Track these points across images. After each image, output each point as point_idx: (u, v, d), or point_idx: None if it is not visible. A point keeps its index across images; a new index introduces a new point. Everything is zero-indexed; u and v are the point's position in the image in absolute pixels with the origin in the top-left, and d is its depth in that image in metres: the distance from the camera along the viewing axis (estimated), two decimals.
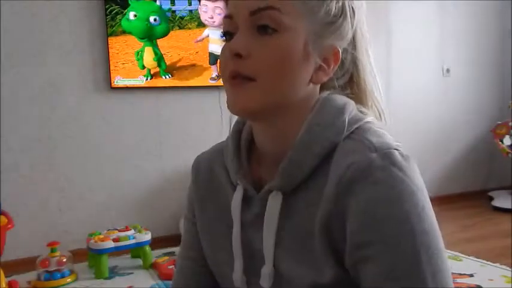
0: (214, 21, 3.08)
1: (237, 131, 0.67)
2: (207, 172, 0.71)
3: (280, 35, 0.56)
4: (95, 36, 2.73)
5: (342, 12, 0.59)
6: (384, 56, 3.55)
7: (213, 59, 3.08)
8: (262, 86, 0.56)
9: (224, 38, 0.61)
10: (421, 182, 0.54)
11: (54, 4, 2.62)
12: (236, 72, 0.56)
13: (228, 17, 0.59)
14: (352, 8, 0.61)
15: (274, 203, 0.59)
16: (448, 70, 3.85)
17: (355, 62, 0.63)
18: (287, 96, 0.58)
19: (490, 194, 3.78)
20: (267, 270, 0.60)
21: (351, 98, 0.63)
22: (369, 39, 0.64)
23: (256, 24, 0.56)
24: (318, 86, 0.62)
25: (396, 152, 0.53)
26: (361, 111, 0.62)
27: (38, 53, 2.61)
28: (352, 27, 0.61)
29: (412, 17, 3.66)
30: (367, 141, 0.55)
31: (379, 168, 0.51)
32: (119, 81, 2.77)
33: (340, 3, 0.59)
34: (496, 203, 3.55)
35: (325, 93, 0.61)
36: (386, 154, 0.53)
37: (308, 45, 0.57)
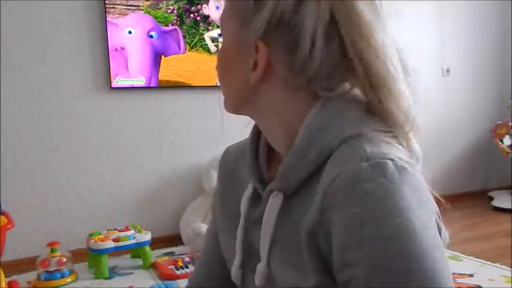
0: None
1: (258, 128, 0.68)
2: (232, 166, 0.73)
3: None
4: (95, 36, 2.73)
5: None
6: None
7: None
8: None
9: None
10: (419, 196, 0.49)
11: (54, 4, 2.62)
12: None
13: None
14: None
15: (273, 203, 0.59)
16: (448, 70, 3.85)
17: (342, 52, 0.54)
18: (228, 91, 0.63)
19: (490, 194, 3.79)
20: (261, 268, 0.60)
21: (359, 100, 0.57)
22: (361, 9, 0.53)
23: None
24: (300, 89, 0.58)
25: (390, 163, 0.48)
26: (378, 119, 0.55)
27: (38, 53, 2.61)
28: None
29: (412, 17, 3.66)
30: (361, 150, 0.50)
31: (367, 180, 0.47)
32: (118, 81, 2.77)
33: None
34: (496, 203, 3.55)
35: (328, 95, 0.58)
36: (377, 164, 0.48)
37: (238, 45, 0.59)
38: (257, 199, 0.64)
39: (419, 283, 0.44)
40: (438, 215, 0.53)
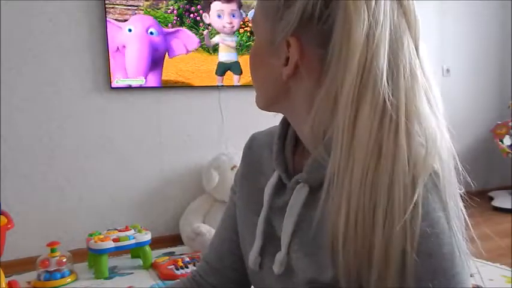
0: (233, 27, 2.98)
1: (287, 120, 0.68)
2: (257, 152, 0.74)
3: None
4: (95, 36, 2.73)
5: None
6: None
7: (221, 69, 2.98)
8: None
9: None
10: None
11: (54, 4, 2.62)
12: None
13: None
14: None
15: (299, 194, 0.60)
16: (448, 70, 3.85)
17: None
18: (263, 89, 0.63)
19: (490, 194, 3.78)
20: (280, 257, 0.62)
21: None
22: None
23: None
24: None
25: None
26: None
27: (38, 53, 2.61)
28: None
29: None
30: None
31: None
32: (118, 81, 2.77)
33: None
34: (496, 203, 3.55)
35: None
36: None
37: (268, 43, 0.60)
38: (281, 188, 0.65)
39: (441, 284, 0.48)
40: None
